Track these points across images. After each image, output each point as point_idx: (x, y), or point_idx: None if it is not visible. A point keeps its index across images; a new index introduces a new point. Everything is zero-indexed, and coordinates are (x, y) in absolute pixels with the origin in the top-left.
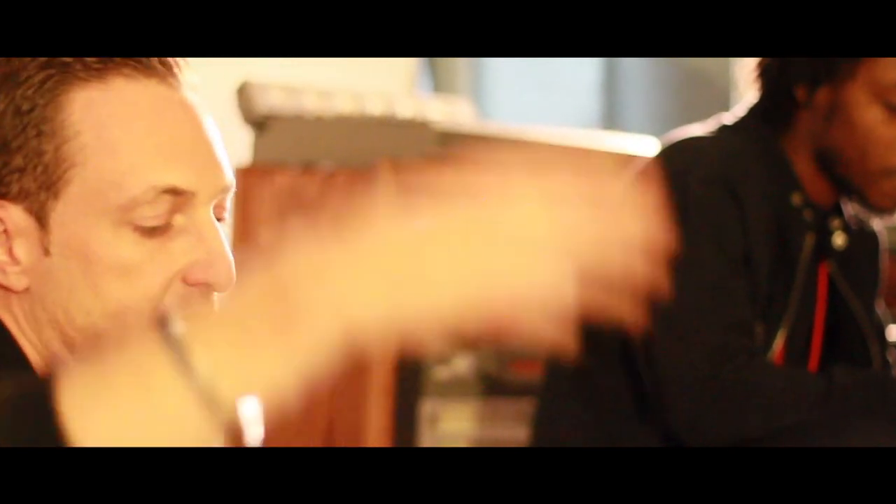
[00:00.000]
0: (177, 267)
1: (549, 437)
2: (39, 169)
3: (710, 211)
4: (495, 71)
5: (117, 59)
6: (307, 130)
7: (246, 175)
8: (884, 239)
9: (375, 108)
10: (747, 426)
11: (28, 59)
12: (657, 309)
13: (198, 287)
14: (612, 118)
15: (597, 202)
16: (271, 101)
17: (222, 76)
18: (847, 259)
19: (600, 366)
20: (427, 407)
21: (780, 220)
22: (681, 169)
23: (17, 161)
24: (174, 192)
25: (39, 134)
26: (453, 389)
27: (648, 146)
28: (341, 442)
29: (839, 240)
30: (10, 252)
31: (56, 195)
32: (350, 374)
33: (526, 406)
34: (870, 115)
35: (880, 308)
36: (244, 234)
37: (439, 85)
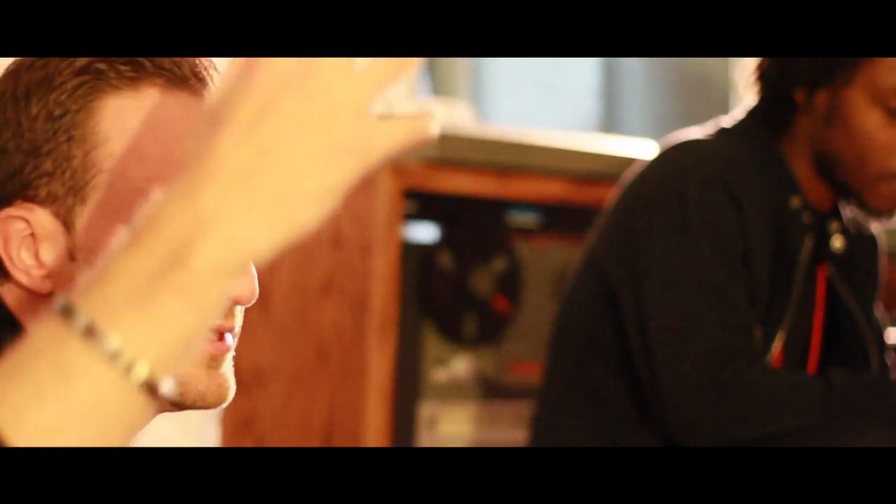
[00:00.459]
0: None
1: (548, 439)
2: (68, 174)
3: (709, 214)
4: (494, 74)
5: (150, 69)
6: None
7: None
8: (882, 242)
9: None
10: (746, 429)
11: (64, 65)
12: (657, 311)
13: None
14: (611, 121)
15: None
16: None
17: None
18: (845, 262)
19: (600, 366)
20: (426, 409)
21: (779, 222)
22: (680, 172)
23: (47, 165)
24: None
25: (70, 139)
26: (452, 392)
27: (648, 149)
28: (340, 443)
29: (838, 243)
30: (36, 256)
31: (83, 200)
32: (349, 376)
33: (525, 408)
34: (869, 119)
35: (879, 311)
36: None
37: (438, 88)
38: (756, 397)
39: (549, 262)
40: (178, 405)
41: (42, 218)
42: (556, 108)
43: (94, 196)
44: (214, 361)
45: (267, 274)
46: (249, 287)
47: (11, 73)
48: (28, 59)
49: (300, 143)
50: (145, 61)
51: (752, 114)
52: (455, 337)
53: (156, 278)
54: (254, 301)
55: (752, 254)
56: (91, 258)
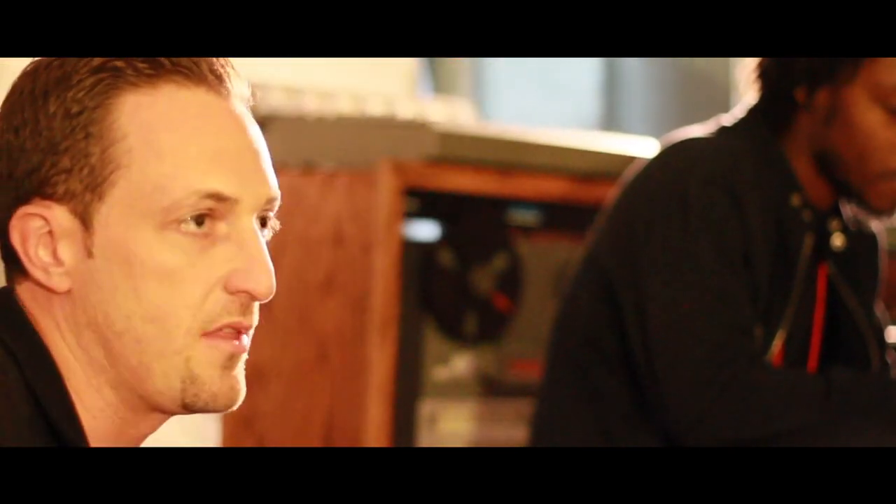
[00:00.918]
0: (218, 274)
1: (548, 437)
2: (86, 171)
3: (709, 212)
4: (496, 72)
5: (168, 66)
6: (308, 131)
7: None
8: (883, 240)
9: (376, 108)
10: (747, 428)
11: (81, 63)
12: (657, 309)
13: (238, 295)
14: (612, 119)
15: None
16: (272, 101)
17: None
18: (846, 260)
19: (600, 366)
20: (426, 407)
21: (780, 221)
22: (680, 170)
23: (65, 162)
24: (217, 197)
25: (87, 136)
26: (452, 390)
27: (648, 147)
28: (340, 442)
29: (838, 241)
30: (54, 253)
31: (101, 197)
32: (350, 374)
33: (525, 407)
34: (869, 118)
35: (879, 309)
36: None
37: (440, 86)
38: (757, 397)
39: (549, 260)
40: (188, 408)
41: (60, 215)
42: (557, 106)
43: (112, 193)
44: (230, 361)
45: None
46: (266, 282)
47: (30, 72)
48: (46, 59)
49: None
50: (163, 59)
51: (753, 112)
52: (455, 335)
53: None
54: (271, 297)
55: (753, 252)
56: (108, 255)
